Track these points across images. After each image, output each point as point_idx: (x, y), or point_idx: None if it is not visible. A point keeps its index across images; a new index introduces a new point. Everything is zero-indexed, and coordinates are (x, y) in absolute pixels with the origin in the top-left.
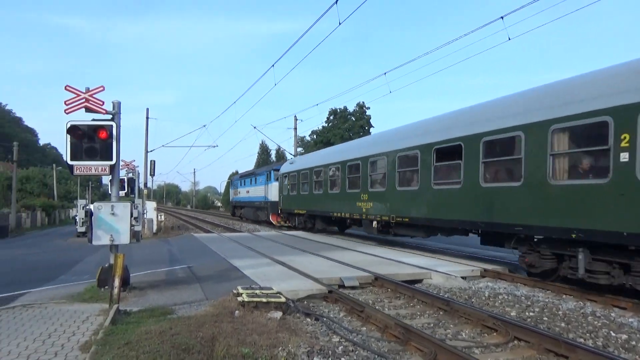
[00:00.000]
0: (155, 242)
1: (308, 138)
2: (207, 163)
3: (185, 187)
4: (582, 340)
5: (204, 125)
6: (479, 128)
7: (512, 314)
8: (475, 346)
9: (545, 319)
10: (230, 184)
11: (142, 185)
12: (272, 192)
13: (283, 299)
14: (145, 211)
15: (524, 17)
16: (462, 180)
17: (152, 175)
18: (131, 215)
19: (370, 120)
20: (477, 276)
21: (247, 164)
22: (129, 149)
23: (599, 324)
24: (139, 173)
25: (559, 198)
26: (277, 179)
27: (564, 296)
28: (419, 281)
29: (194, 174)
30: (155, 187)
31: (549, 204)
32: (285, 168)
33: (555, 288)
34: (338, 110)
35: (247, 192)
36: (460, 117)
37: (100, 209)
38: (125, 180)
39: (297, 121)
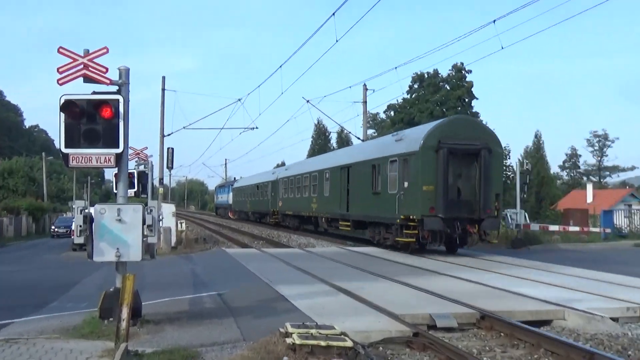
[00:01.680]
0: (175, 259)
1: (383, 115)
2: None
3: (214, 184)
4: None
5: (239, 100)
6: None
7: None
8: None
9: None
10: (215, 191)
11: (156, 182)
12: (231, 198)
13: (349, 343)
14: (161, 217)
15: None
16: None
17: (170, 167)
18: (143, 223)
19: (472, 89)
20: (636, 317)
21: (299, 152)
22: (141, 133)
23: None
24: (152, 165)
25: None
26: (232, 191)
27: None
28: (547, 322)
29: (225, 167)
30: (173, 184)
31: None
32: (236, 184)
33: None
34: (425, 75)
35: (221, 197)
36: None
37: (104, 214)
38: (135, 174)
39: (367, 92)
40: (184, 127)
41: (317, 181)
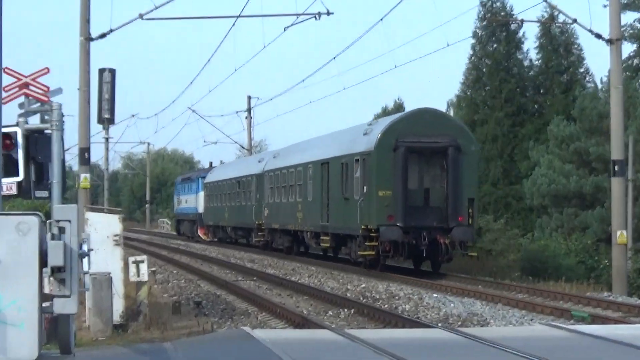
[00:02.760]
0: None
1: None
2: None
3: (223, 156)
4: None
5: None
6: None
7: None
8: None
9: None
10: (175, 189)
11: (74, 161)
12: (201, 203)
13: None
14: (87, 247)
15: None
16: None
17: (109, 122)
18: (42, 261)
19: None
20: None
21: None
22: (45, 49)
23: None
24: (62, 117)
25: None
26: (205, 189)
27: None
28: None
29: (250, 121)
30: (118, 165)
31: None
32: (209, 176)
33: None
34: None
35: (184, 201)
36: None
37: None
38: (19, 138)
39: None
40: (140, 17)
41: (302, 179)
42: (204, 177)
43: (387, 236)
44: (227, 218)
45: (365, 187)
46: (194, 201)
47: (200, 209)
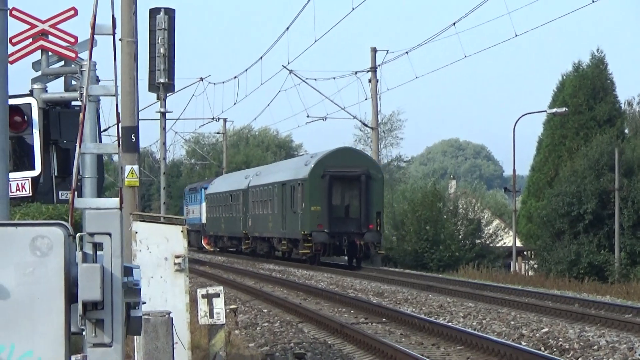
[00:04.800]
0: None
1: None
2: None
3: (335, 137)
4: None
5: None
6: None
7: None
8: None
9: None
10: (184, 198)
11: (111, 149)
12: (204, 213)
13: None
14: (139, 274)
15: None
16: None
17: (166, 89)
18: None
19: None
20: None
21: None
22: None
23: None
24: (97, 79)
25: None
26: (205, 200)
27: None
28: None
29: (376, 77)
30: (183, 151)
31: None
32: (211, 187)
33: None
34: None
35: (192, 211)
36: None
37: None
38: (33, 111)
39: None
40: None
41: (272, 195)
42: (206, 188)
43: (317, 239)
44: (224, 228)
45: (303, 204)
46: (198, 211)
47: (204, 219)
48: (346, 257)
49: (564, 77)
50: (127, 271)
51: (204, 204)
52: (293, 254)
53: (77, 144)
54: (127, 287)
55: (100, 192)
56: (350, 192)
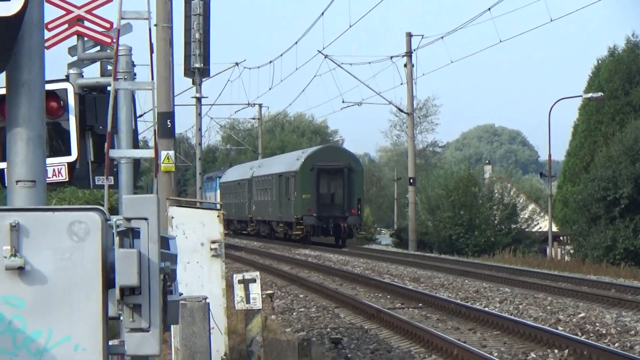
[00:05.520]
0: None
1: None
2: None
3: (370, 122)
4: None
5: None
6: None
7: None
8: None
9: None
10: (202, 187)
11: (149, 131)
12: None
13: None
14: (176, 259)
15: None
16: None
17: (202, 74)
18: (107, 281)
19: None
20: None
21: None
22: None
23: None
24: (134, 67)
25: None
26: (220, 188)
27: None
28: None
29: (412, 62)
30: (218, 137)
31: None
32: (224, 177)
33: None
34: None
35: (209, 198)
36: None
37: None
38: (70, 96)
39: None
40: None
41: (271, 185)
42: (220, 177)
43: (308, 222)
44: (234, 213)
45: (295, 192)
46: (214, 198)
47: (218, 205)
48: (333, 238)
49: (600, 61)
50: (164, 242)
51: (218, 191)
52: (287, 235)
53: (108, 129)
54: (163, 272)
55: (137, 176)
56: (335, 183)
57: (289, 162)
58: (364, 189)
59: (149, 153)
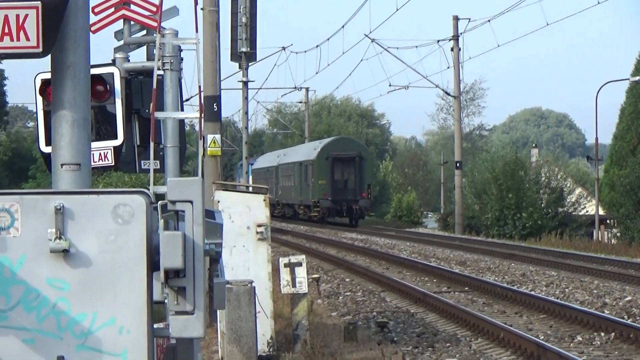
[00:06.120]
0: None
1: None
2: None
3: (417, 105)
4: None
5: None
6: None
7: None
8: None
9: None
10: (236, 174)
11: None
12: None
13: None
14: (222, 243)
15: None
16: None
17: (249, 58)
18: (152, 263)
19: None
20: None
21: None
22: None
23: None
24: (180, 52)
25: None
26: (252, 174)
27: None
28: None
29: (459, 46)
30: (265, 120)
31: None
32: (256, 163)
33: None
34: None
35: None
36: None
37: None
38: (116, 80)
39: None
40: None
41: (293, 172)
42: (252, 164)
43: (323, 205)
44: None
45: (312, 178)
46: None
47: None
48: (347, 219)
49: None
50: (209, 214)
51: (250, 177)
52: (308, 216)
53: (151, 112)
54: (208, 255)
55: (183, 161)
56: (348, 170)
57: (308, 151)
58: (372, 175)
59: (194, 114)
